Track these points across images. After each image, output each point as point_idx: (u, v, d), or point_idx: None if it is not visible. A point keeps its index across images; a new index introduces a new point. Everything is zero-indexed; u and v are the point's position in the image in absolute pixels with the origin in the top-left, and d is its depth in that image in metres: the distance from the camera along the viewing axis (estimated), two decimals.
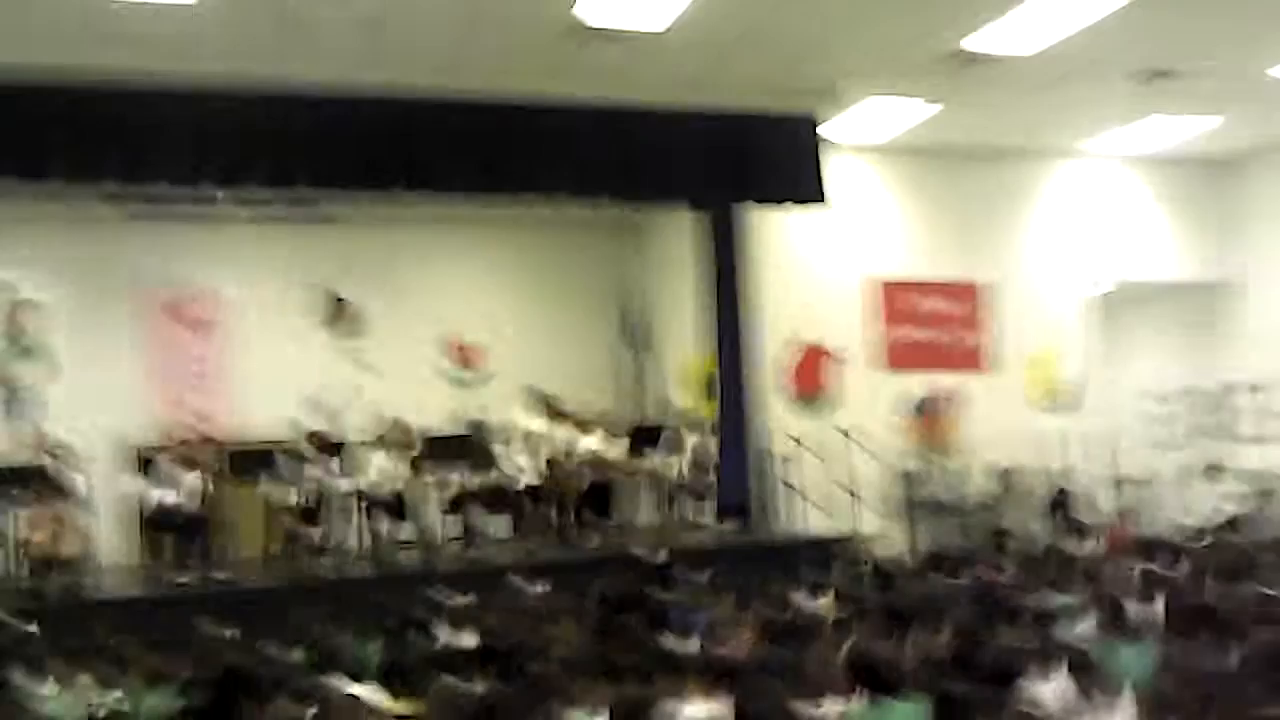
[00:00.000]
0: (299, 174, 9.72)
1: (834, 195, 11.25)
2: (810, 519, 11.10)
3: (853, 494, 11.12)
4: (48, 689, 5.60)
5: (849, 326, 12.39)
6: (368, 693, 4.87)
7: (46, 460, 10.03)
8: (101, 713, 4.78)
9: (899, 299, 12.62)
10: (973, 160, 12.75)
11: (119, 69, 8.87)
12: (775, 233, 11.88)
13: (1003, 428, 12.38)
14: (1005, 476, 12.26)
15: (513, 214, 12.47)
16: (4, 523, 9.61)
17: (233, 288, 12.53)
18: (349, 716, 3.72)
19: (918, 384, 12.56)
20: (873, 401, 12.21)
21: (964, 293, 12.93)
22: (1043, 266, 13.34)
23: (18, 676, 5.56)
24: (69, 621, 7.76)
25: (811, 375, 12.13)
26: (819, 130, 11.14)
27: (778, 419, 11.59)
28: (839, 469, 11.21)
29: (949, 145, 12.37)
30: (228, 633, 6.94)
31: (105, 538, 10.48)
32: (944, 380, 12.63)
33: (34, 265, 12.02)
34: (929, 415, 12.46)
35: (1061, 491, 12.27)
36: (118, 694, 5.02)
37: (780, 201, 11.18)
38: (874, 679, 4.66)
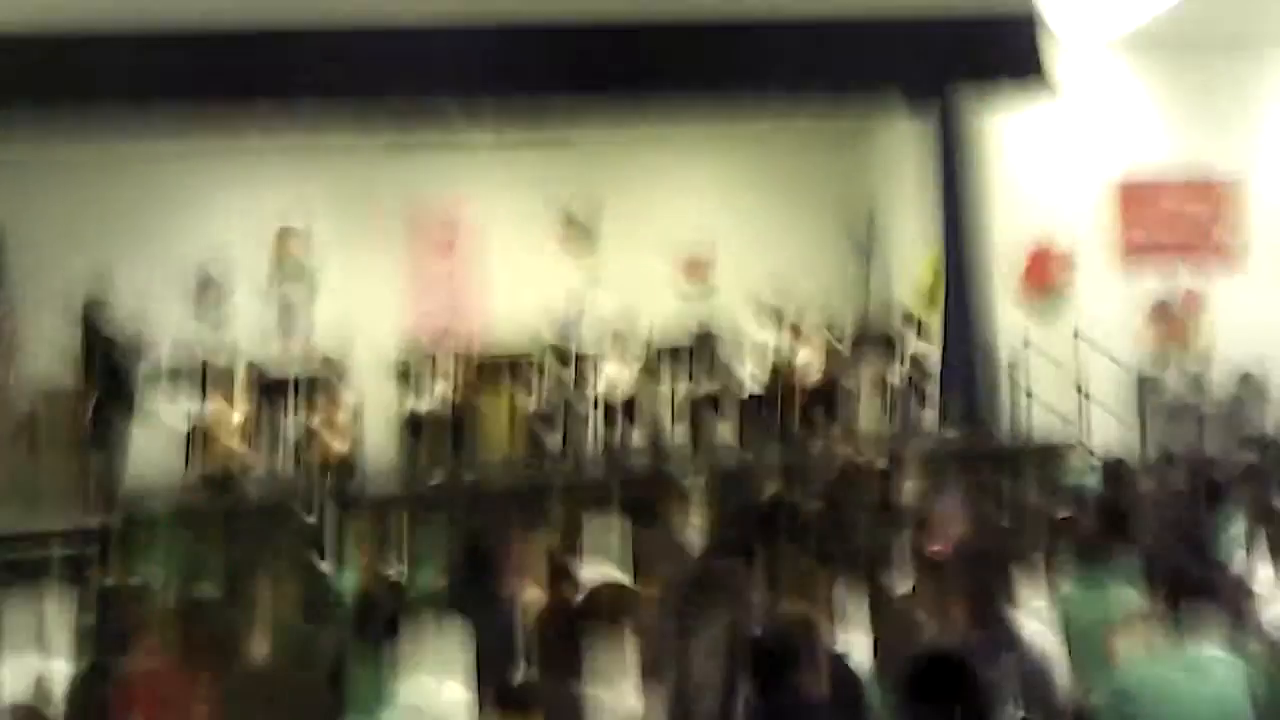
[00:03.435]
0: (538, 103, 10.26)
1: (1066, 90, 10.91)
2: (1039, 424, 11.03)
3: (1085, 397, 10.95)
4: (327, 567, 6.36)
5: (1084, 225, 12.04)
6: (610, 571, 5.35)
7: (316, 371, 11.07)
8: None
9: (1139, 196, 12.14)
10: (1220, 50, 12.01)
11: (372, 12, 9.56)
12: (1004, 132, 11.64)
13: (1250, 329, 11.84)
14: (1250, 380, 11.75)
15: (738, 129, 12.64)
16: (283, 426, 10.67)
17: (477, 209, 13.27)
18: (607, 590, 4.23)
19: (1157, 284, 12.12)
20: (1108, 302, 11.87)
21: (1210, 189, 12.30)
22: None
23: (306, 558, 6.31)
24: (342, 513, 8.68)
25: (1042, 276, 11.90)
26: (1046, 19, 10.81)
27: (1006, 321, 11.48)
28: (1070, 373, 11.05)
29: (1194, 34, 11.67)
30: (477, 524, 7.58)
31: (368, 441, 11.45)
32: (1186, 279, 12.14)
33: (297, 194, 13.04)
34: (1169, 316, 12.03)
35: None
36: (395, 570, 5.67)
37: (1005, 95, 10.97)
38: (1086, 562, 4.81)
